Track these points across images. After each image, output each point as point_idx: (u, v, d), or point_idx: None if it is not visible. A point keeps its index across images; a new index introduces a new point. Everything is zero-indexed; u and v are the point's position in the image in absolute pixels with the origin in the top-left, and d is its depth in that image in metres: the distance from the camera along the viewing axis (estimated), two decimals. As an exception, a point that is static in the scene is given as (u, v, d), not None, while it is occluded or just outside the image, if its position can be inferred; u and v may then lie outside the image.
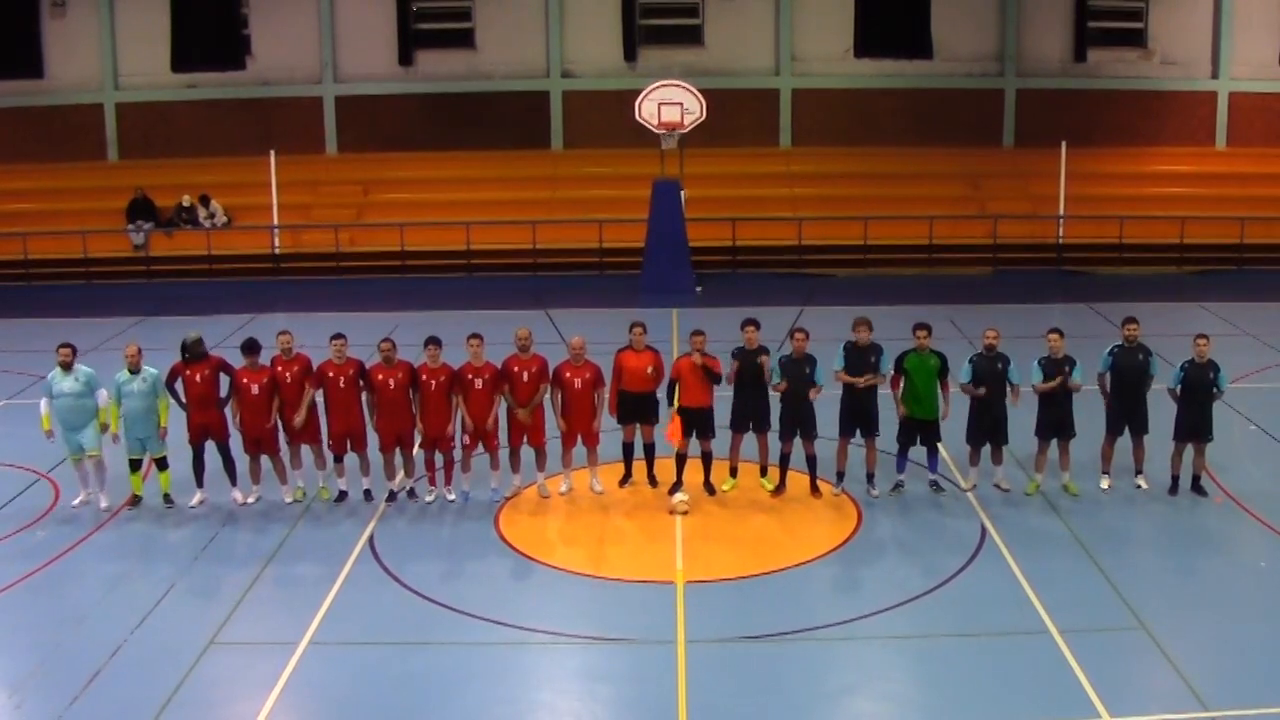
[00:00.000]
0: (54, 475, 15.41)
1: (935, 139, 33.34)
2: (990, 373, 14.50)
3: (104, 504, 14.44)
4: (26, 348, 22.98)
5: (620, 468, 15.22)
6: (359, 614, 11.88)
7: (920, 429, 14.63)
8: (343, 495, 14.74)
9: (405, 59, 33.97)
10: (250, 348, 14.49)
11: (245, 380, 14.38)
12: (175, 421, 14.62)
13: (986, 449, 14.81)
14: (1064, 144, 31.08)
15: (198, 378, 14.37)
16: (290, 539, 13.71)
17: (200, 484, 14.63)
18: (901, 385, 14.52)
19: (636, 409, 14.83)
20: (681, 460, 14.83)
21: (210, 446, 14.56)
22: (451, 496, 14.63)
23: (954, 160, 33.04)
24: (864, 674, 10.84)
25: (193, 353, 14.47)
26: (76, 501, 14.48)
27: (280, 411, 14.43)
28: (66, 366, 14.30)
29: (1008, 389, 14.56)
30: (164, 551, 13.43)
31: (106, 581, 12.66)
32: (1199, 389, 14.49)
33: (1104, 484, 14.84)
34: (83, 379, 14.30)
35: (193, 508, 14.49)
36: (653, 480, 15.07)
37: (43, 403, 14.41)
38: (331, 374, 14.39)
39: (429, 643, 11.33)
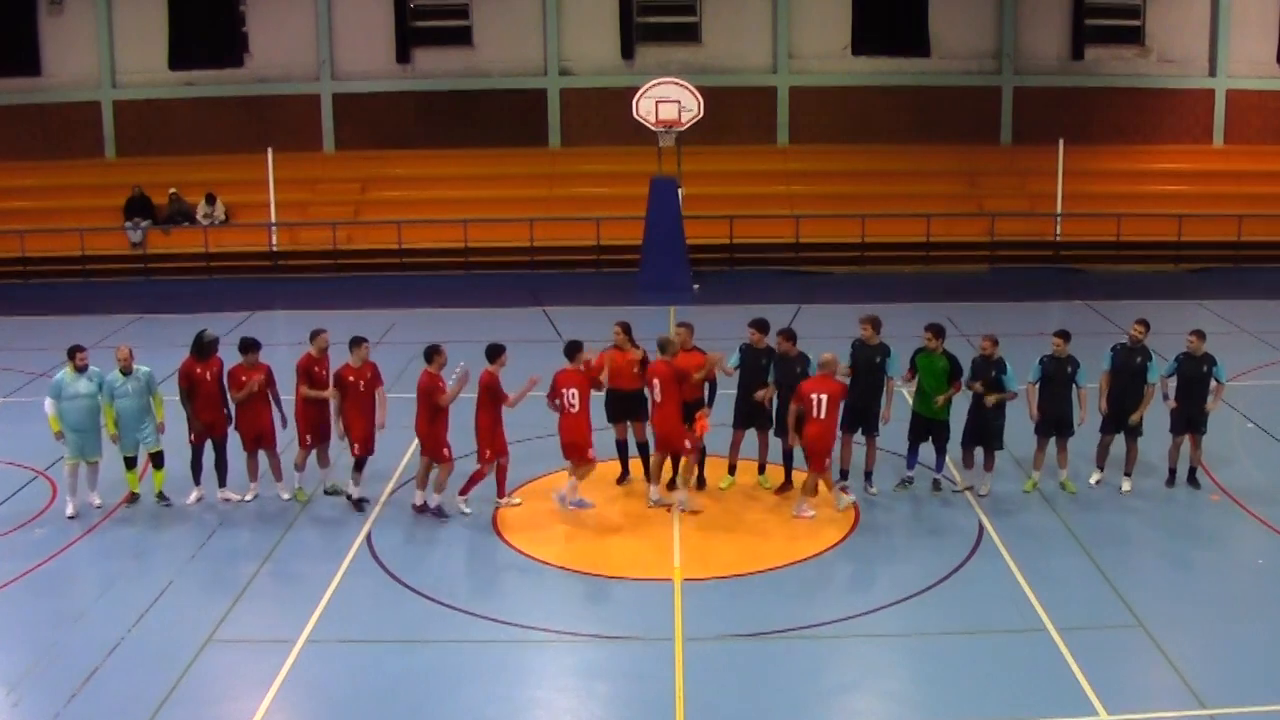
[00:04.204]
0: (51, 473, 15.37)
1: (932, 137, 33.35)
2: (985, 380, 14.47)
3: (97, 502, 14.39)
4: (24, 345, 23.00)
5: (616, 466, 15.20)
6: (356, 611, 11.88)
7: (929, 428, 14.64)
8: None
9: (403, 57, 33.96)
10: (248, 346, 14.47)
11: (245, 378, 14.36)
12: (173, 419, 14.59)
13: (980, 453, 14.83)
14: (1061, 141, 31.15)
15: (207, 375, 14.36)
16: (288, 536, 13.70)
17: (198, 481, 14.58)
18: (915, 378, 14.66)
19: (626, 407, 14.81)
20: (702, 455, 14.84)
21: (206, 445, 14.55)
22: (467, 510, 14.27)
23: (951, 158, 33.06)
24: (862, 671, 10.85)
25: (209, 351, 14.42)
26: (71, 512, 14.17)
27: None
28: (83, 369, 14.21)
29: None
30: (161, 549, 13.41)
31: (104, 579, 12.66)
32: (1193, 382, 14.55)
33: (1093, 478, 14.91)
34: (95, 380, 14.25)
35: (190, 504, 14.47)
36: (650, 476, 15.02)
37: (49, 404, 14.10)
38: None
39: (426, 640, 11.32)
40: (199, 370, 14.33)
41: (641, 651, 11.05)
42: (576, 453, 14.07)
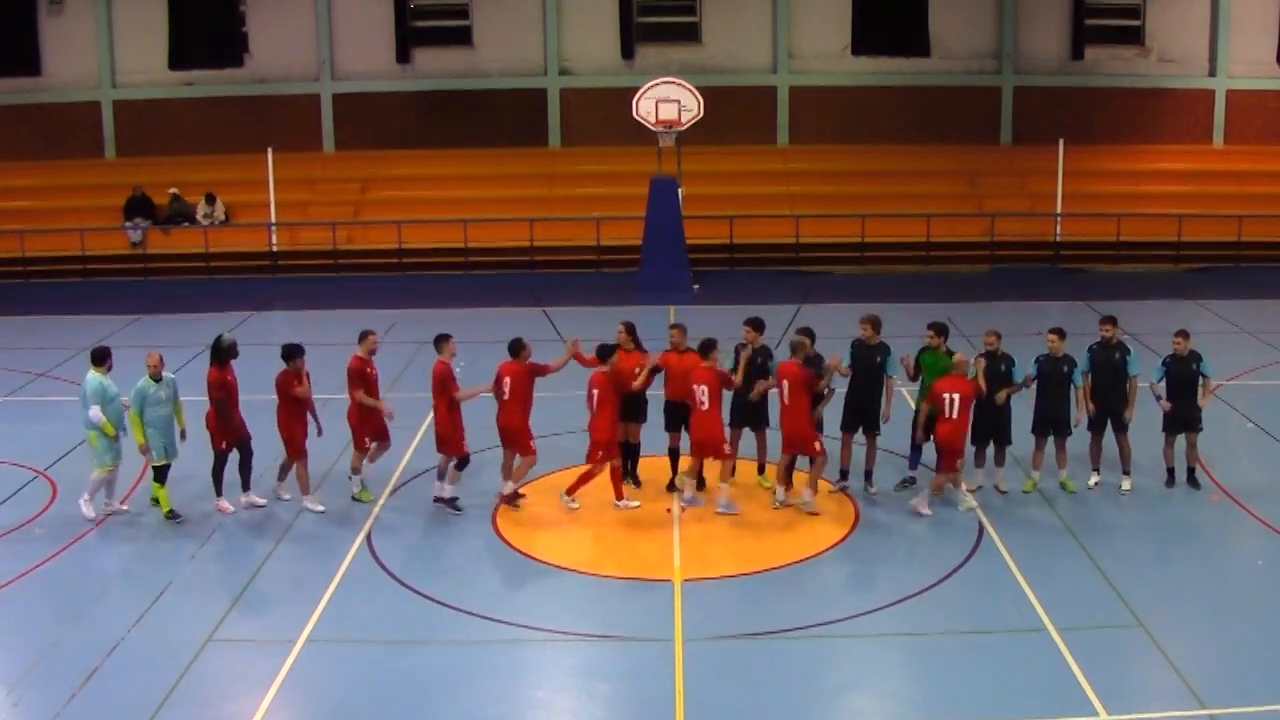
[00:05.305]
0: (51, 473, 15.39)
1: (932, 137, 33.35)
2: (993, 374, 14.48)
3: (125, 508, 14.27)
4: (24, 345, 23.00)
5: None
6: (356, 612, 11.87)
7: (933, 426, 14.63)
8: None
9: (403, 56, 33.96)
10: (293, 352, 14.24)
11: (298, 384, 14.12)
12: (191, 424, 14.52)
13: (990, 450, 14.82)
14: (1061, 142, 31.12)
15: (230, 379, 14.24)
16: (288, 537, 13.69)
17: (221, 491, 14.31)
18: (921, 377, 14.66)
19: (627, 407, 14.77)
20: (675, 456, 14.83)
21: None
22: (575, 505, 14.30)
23: (951, 158, 33.06)
24: (862, 671, 10.85)
25: (230, 355, 14.27)
26: (91, 514, 13.93)
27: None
28: (108, 371, 14.08)
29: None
30: (162, 549, 13.40)
31: (104, 579, 12.67)
32: (1184, 382, 14.58)
33: (1091, 481, 14.88)
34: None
35: (226, 511, 14.23)
36: (635, 479, 15.00)
37: (96, 412, 13.71)
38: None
39: (426, 641, 11.32)
40: (229, 377, 14.18)
41: (641, 651, 11.05)
42: (711, 450, 14.15)
